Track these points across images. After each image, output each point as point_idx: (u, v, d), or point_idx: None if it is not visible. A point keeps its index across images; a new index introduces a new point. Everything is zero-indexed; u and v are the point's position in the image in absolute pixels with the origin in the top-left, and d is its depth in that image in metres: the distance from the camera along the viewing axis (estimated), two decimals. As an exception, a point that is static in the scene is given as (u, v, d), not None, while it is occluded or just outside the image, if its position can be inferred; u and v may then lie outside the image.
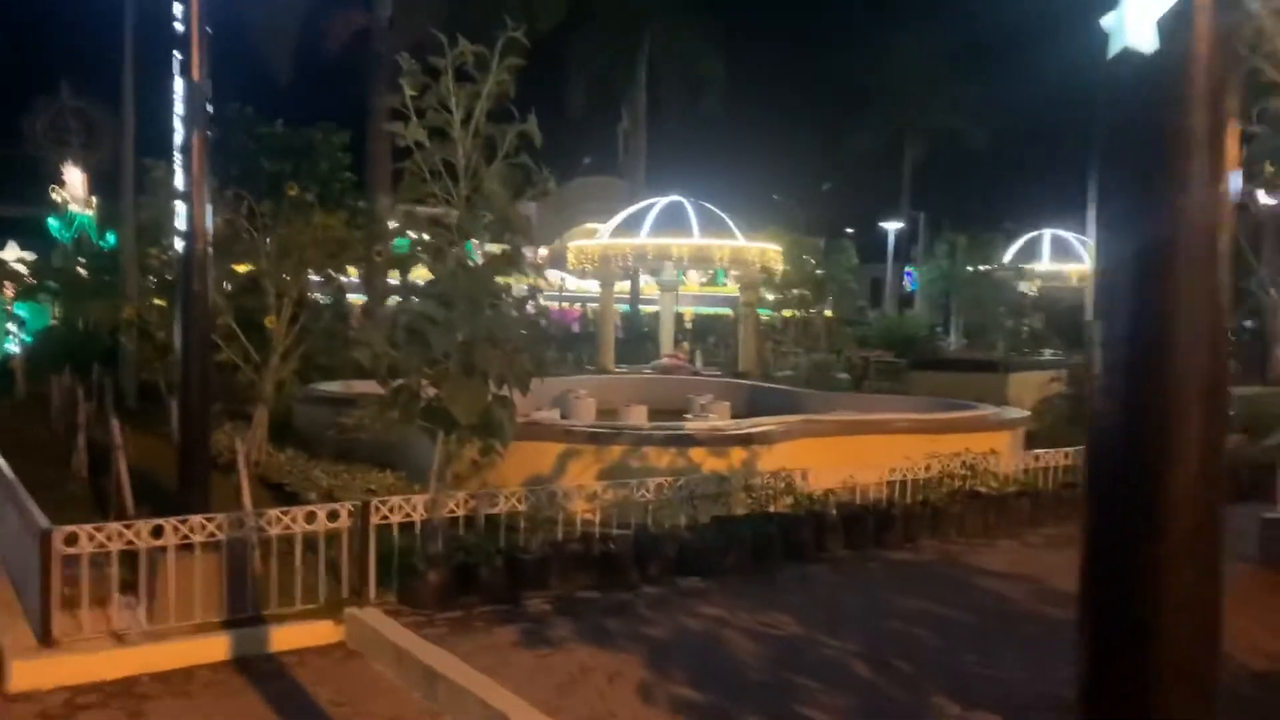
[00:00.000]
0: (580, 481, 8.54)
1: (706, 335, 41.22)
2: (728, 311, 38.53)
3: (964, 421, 10.33)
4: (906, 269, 45.28)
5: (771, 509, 7.96)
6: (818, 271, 26.27)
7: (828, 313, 26.29)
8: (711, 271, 41.20)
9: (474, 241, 7.16)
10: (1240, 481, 11.15)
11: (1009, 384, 14.21)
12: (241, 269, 10.69)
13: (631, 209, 26.70)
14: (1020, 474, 9.49)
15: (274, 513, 6.01)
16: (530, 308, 7.54)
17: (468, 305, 6.95)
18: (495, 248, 7.48)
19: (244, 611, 5.81)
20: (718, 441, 8.63)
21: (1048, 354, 18.98)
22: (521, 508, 6.99)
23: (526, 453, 8.35)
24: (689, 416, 12.27)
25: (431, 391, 6.90)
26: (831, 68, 46.18)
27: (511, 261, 7.29)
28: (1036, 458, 9.72)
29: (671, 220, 25.29)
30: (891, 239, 39.72)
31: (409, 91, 6.78)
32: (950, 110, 46.81)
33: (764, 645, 5.88)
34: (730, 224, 25.58)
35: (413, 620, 5.89)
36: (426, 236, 7.20)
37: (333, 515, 6.13)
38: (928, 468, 8.96)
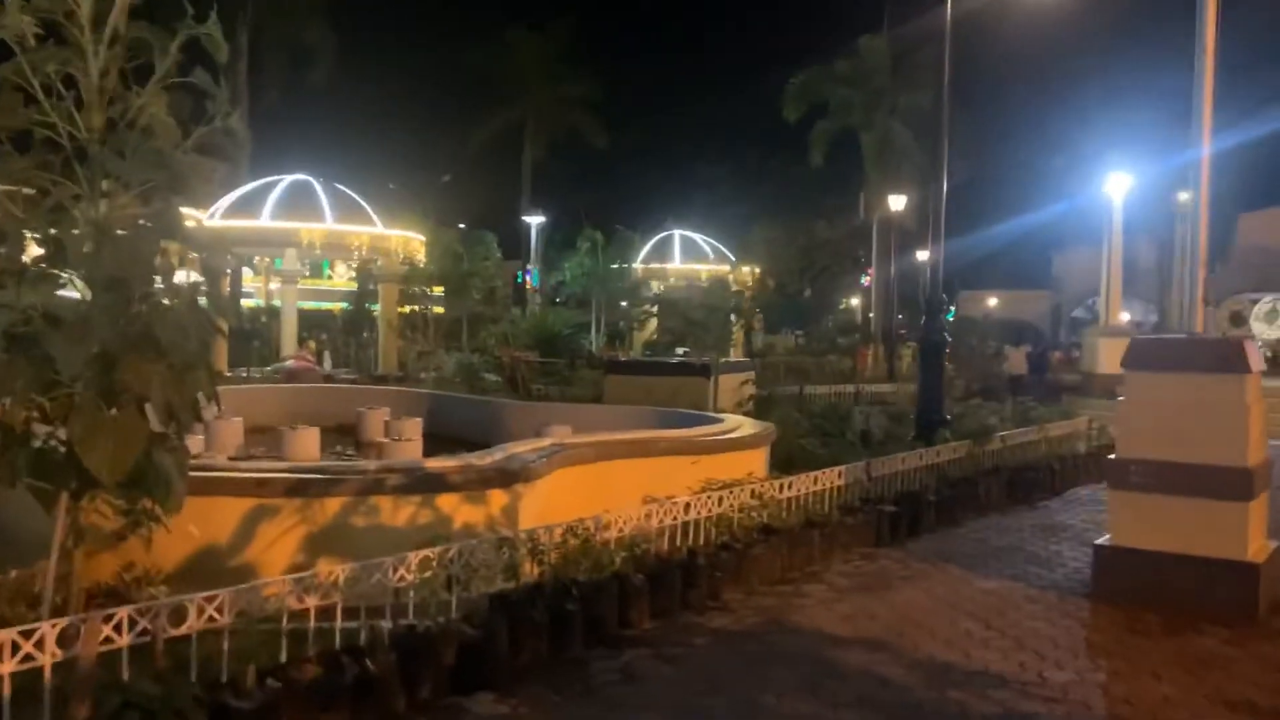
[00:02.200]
0: (279, 551, 5.91)
1: (320, 333, 37.45)
2: (340, 306, 35.15)
3: (727, 441, 8.81)
4: (528, 267, 44.31)
5: (559, 572, 5.86)
6: (463, 265, 24.18)
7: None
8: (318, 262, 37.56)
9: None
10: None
11: (715, 388, 13.07)
12: None
13: (247, 188, 23.01)
14: (806, 499, 8.15)
15: None
16: (204, 300, 4.84)
17: (111, 295, 4.19)
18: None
19: None
20: (474, 483, 6.35)
21: (724, 356, 18.43)
22: (224, 619, 4.36)
23: (192, 514, 5.59)
24: (383, 440, 9.73)
25: (46, 430, 4.13)
26: (452, 55, 44.11)
27: (169, 227, 4.57)
28: (816, 480, 8.43)
29: (298, 202, 22.02)
30: (534, 234, 38.39)
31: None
32: (571, 107, 46.51)
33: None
34: (368, 209, 22.76)
35: None
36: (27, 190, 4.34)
37: None
38: (720, 500, 7.30)
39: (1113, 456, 7.09)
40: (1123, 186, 23.16)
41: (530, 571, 5.73)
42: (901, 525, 8.88)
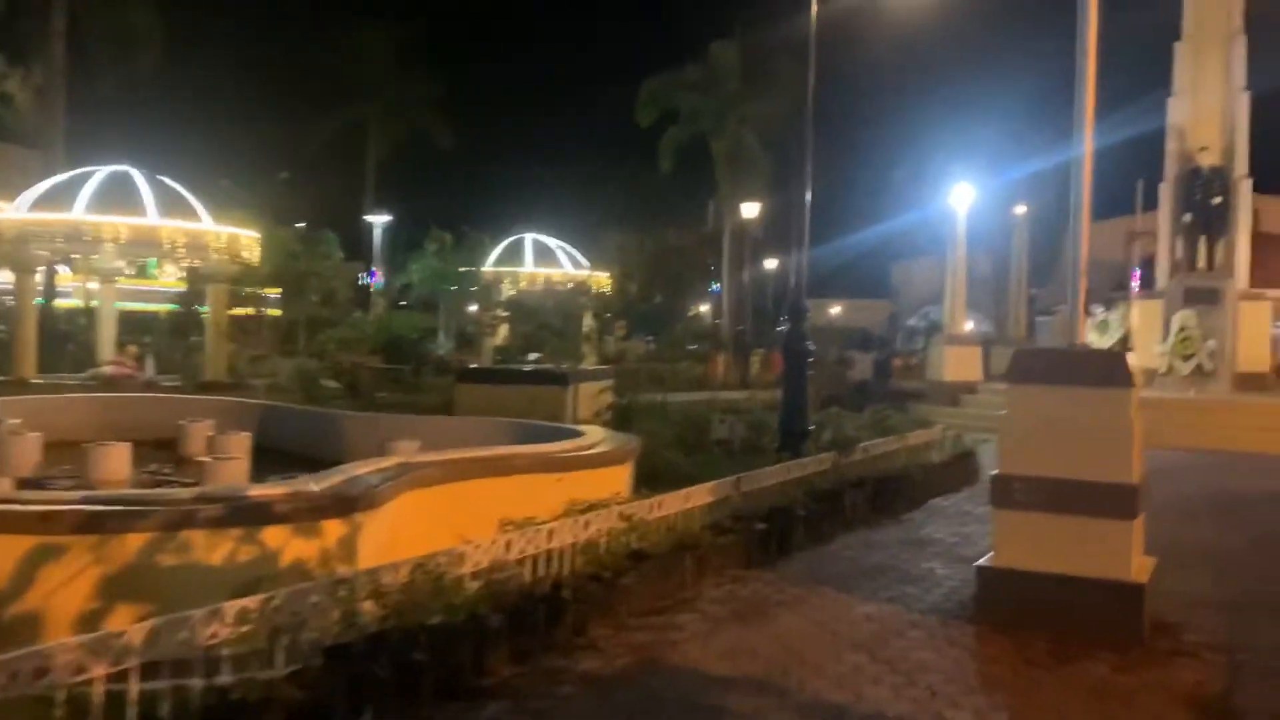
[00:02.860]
0: (68, 598, 4.96)
1: (144, 336, 34.93)
2: (168, 308, 32.87)
3: (592, 457, 8.19)
4: (372, 269, 42.70)
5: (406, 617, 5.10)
6: (300, 265, 22.81)
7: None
8: (143, 261, 35.13)
9: None
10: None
11: (572, 398, 12.44)
12: None
13: (59, 178, 21.11)
14: (676, 519, 7.60)
15: None
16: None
17: None
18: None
19: None
20: (305, 512, 5.51)
21: (591, 363, 17.82)
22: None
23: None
24: (205, 459, 8.66)
25: None
26: (294, 48, 42.13)
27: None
28: (687, 497, 7.89)
29: (117, 194, 20.24)
30: (378, 235, 36.82)
31: None
32: (418, 107, 45.16)
33: None
34: (195, 204, 21.14)
35: None
36: None
37: None
38: (587, 524, 6.66)
39: (996, 473, 6.79)
40: (966, 198, 23.73)
41: (372, 617, 4.95)
42: (772, 544, 8.44)
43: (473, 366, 15.44)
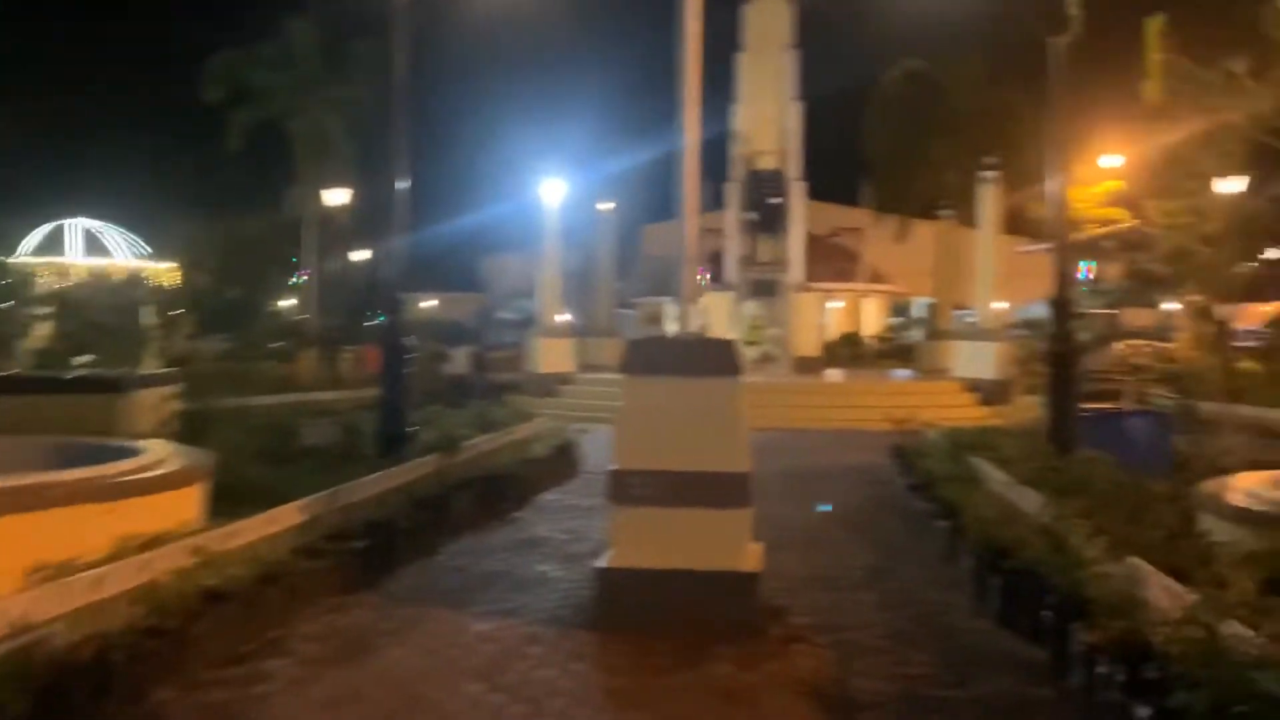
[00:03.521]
0: None
1: None
2: None
3: (152, 480, 6.86)
4: None
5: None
6: None
7: None
8: None
9: None
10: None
11: (130, 408, 10.69)
12: None
13: None
14: (260, 546, 6.55)
15: None
16: None
17: None
18: None
19: None
20: None
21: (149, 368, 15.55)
22: None
23: None
24: None
25: None
26: None
27: None
28: (272, 520, 6.86)
29: None
30: None
31: None
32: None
33: None
34: None
35: None
36: None
37: None
38: (146, 564, 5.47)
39: (614, 468, 6.50)
40: (558, 193, 24.00)
41: None
42: (375, 562, 7.62)
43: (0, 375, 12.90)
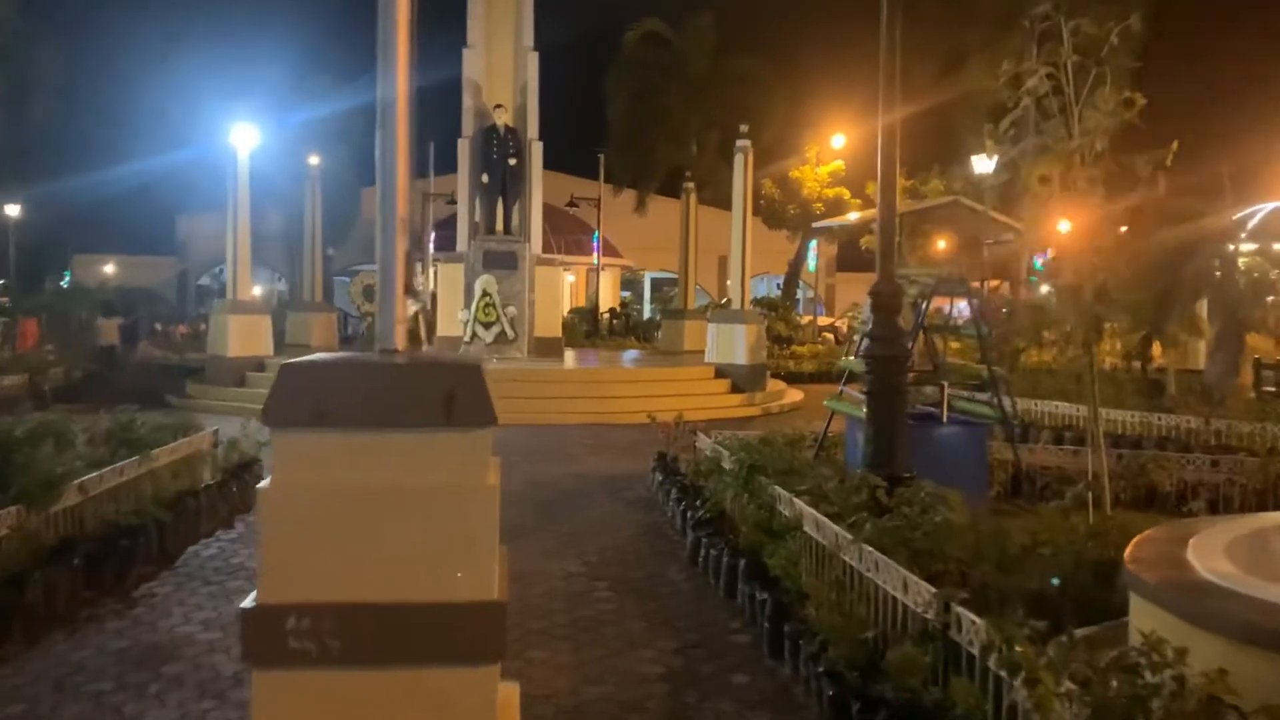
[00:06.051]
0: None
1: None
2: None
3: None
4: None
5: None
6: None
7: None
8: None
9: None
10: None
11: None
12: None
13: None
14: None
15: None
16: None
17: None
18: None
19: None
20: None
21: None
22: None
23: None
24: None
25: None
26: None
27: None
28: None
29: None
30: None
31: None
32: None
33: None
34: None
35: None
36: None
37: None
38: None
39: (254, 602, 3.57)
40: (250, 140, 20.00)
41: None
42: None
43: None
